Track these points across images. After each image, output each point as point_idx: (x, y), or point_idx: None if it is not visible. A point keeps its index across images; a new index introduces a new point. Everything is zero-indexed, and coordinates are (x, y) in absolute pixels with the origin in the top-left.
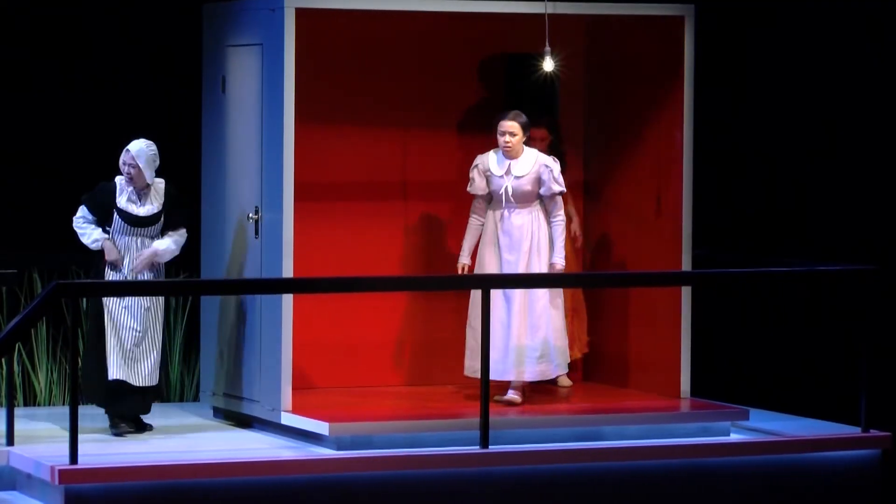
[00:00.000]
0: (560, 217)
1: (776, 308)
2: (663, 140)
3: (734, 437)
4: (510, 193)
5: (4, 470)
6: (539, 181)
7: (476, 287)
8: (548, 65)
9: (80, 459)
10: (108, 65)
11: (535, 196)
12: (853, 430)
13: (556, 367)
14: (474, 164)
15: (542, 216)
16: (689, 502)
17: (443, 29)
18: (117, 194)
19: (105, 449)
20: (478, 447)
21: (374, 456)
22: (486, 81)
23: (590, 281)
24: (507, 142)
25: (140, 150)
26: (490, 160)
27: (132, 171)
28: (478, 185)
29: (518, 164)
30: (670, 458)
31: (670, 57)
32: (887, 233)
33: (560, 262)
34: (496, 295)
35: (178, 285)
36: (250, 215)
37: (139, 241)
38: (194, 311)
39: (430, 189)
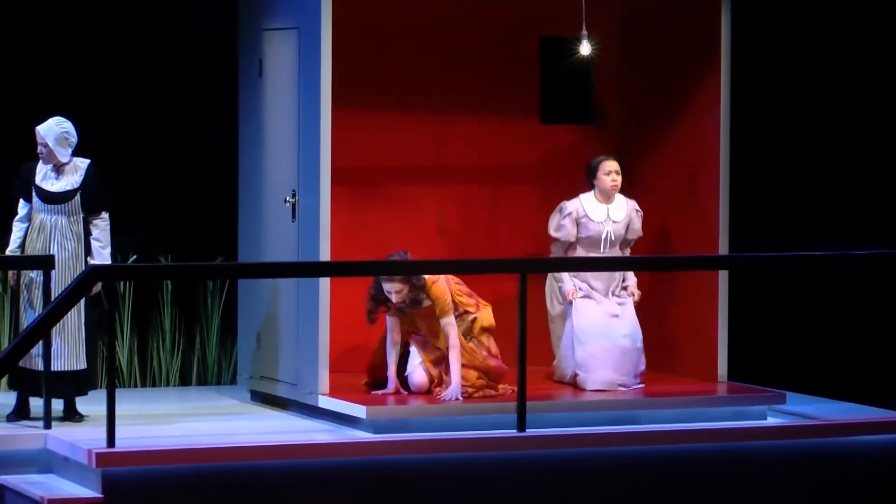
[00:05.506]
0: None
1: (814, 291)
2: (700, 122)
3: (771, 420)
4: (612, 238)
5: (42, 453)
6: (628, 225)
7: (513, 271)
8: (585, 48)
9: (117, 442)
10: (146, 50)
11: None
12: (891, 414)
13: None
14: (565, 211)
15: None
16: (725, 486)
17: (478, 12)
18: (37, 172)
19: (142, 432)
20: (514, 430)
21: (410, 439)
22: (521, 66)
23: (630, 265)
24: (615, 180)
25: (48, 129)
26: (586, 205)
27: (43, 150)
28: (569, 231)
29: (614, 208)
30: (707, 442)
31: (707, 37)
32: None
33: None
34: (612, 305)
35: (216, 269)
36: (287, 199)
37: (55, 218)
38: (231, 295)
39: (466, 173)
